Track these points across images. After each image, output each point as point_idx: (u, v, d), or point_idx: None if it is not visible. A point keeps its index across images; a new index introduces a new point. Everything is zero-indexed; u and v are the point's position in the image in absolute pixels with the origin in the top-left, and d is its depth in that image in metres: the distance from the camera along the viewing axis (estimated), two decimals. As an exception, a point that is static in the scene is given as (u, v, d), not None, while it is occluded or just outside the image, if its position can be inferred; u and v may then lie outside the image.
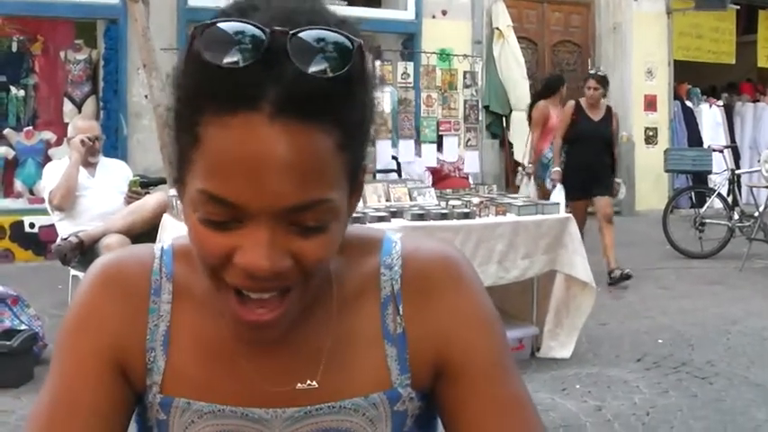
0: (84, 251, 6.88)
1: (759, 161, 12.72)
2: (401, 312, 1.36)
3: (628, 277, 9.32)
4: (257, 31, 1.10)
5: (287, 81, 1.08)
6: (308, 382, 1.32)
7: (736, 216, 11.66)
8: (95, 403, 1.30)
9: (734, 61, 17.69)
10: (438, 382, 1.36)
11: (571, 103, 10.17)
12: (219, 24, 1.11)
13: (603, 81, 10.04)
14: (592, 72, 10.41)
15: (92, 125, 7.73)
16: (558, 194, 9.27)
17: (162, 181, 8.44)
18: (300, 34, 1.10)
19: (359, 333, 1.35)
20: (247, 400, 1.32)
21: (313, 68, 1.09)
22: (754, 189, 12.35)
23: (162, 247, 1.41)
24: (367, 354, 1.35)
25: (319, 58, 1.09)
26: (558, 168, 9.91)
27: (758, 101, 18.52)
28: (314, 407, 1.32)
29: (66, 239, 6.99)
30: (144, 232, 6.72)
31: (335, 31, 1.13)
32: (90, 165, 7.39)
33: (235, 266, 1.15)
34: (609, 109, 10.17)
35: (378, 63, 8.32)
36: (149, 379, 1.34)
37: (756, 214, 11.27)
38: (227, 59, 1.08)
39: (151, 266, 1.38)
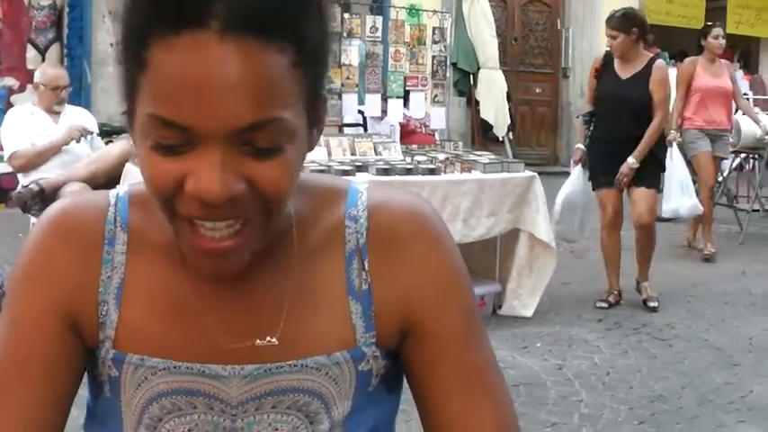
0: (45, 199, 6.79)
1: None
2: (366, 268, 1.30)
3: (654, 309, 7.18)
4: None
5: None
6: (268, 338, 1.26)
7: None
8: (46, 360, 1.26)
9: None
10: (404, 341, 1.32)
11: (600, 53, 7.77)
12: None
13: (626, 22, 7.12)
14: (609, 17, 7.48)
15: (61, 74, 7.59)
16: (577, 178, 7.52)
17: (125, 130, 8.34)
18: None
19: (322, 288, 1.29)
20: (204, 357, 1.25)
21: None
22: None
23: (117, 194, 1.34)
24: (330, 310, 1.28)
25: None
26: (579, 145, 7.56)
27: (726, 66, 18.58)
28: (274, 365, 1.25)
29: (26, 187, 6.90)
30: (107, 181, 6.62)
31: None
32: (54, 113, 7.27)
33: (187, 194, 1.10)
34: (649, 63, 7.15)
35: (346, 16, 8.27)
36: (102, 333, 1.27)
37: (720, 179, 11.30)
38: None
39: (105, 214, 1.31)
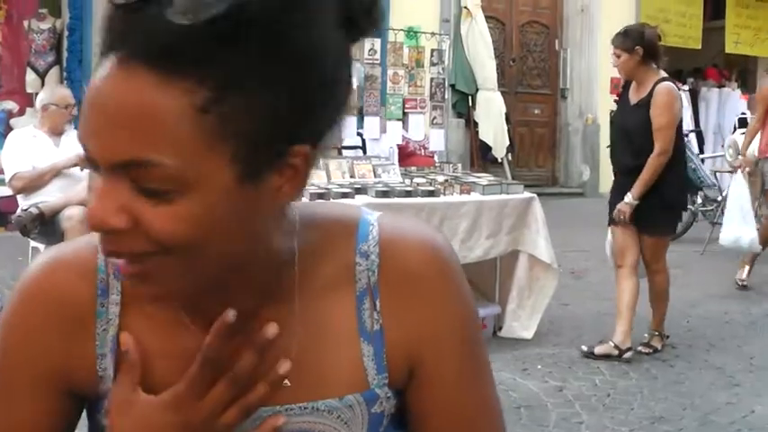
0: (45, 222, 6.80)
1: (723, 146, 12.80)
2: (378, 308, 1.25)
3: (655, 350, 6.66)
4: None
5: (146, 25, 0.97)
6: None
7: (699, 200, 11.70)
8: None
9: (700, 46, 17.76)
10: (408, 380, 1.28)
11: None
12: None
13: (628, 40, 6.43)
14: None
15: (69, 93, 7.68)
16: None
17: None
18: None
19: (332, 328, 1.24)
20: None
21: (172, 12, 0.96)
22: (717, 174, 12.40)
23: None
24: (341, 351, 1.24)
25: None
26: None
27: (723, 86, 18.63)
28: (284, 407, 1.21)
29: (26, 210, 6.91)
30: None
31: None
32: (57, 135, 7.30)
33: None
34: (654, 86, 6.40)
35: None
36: (103, 385, 1.23)
37: (719, 199, 11.32)
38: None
39: (95, 265, 1.24)
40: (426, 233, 1.31)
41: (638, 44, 6.34)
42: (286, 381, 1.18)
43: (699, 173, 6.75)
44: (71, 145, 7.26)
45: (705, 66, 19.21)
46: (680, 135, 6.50)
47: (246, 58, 0.99)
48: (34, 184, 7.00)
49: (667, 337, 6.78)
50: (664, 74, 6.50)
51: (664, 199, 6.37)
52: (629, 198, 6.34)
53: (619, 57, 6.44)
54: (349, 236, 1.27)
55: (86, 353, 1.23)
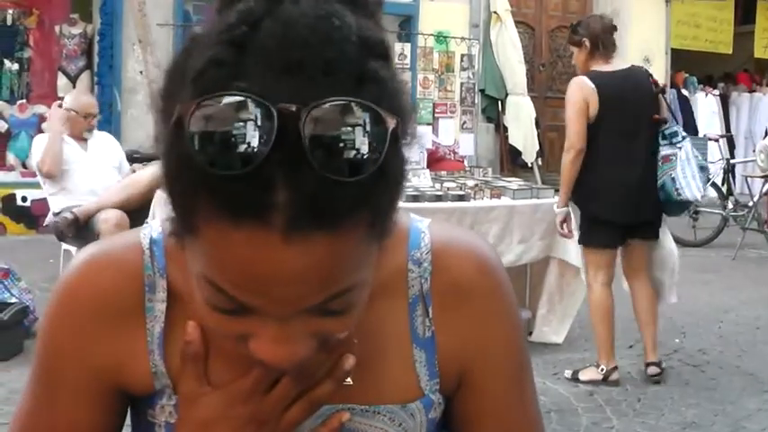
0: (80, 227, 6.85)
1: (754, 151, 12.72)
2: (430, 315, 1.25)
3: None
4: (261, 113, 0.87)
5: (304, 185, 0.88)
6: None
7: (730, 205, 11.66)
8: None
9: (731, 51, 17.67)
10: (457, 389, 1.29)
11: None
12: (212, 112, 0.88)
13: (577, 33, 6.26)
14: None
15: (93, 102, 7.82)
16: None
17: (156, 157, 8.42)
18: (315, 113, 0.87)
19: (385, 333, 1.24)
20: None
21: (338, 168, 0.88)
22: (748, 179, 12.36)
23: (150, 237, 1.25)
24: (395, 357, 1.24)
25: (346, 151, 0.88)
26: None
27: (754, 91, 18.50)
28: (346, 405, 1.21)
29: (59, 214, 6.96)
30: (139, 207, 6.67)
31: (365, 105, 0.90)
32: (83, 140, 7.38)
33: (251, 348, 1.03)
34: None
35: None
36: (158, 383, 1.23)
37: (750, 204, 11.28)
38: (223, 170, 0.88)
39: (141, 263, 1.22)
40: (479, 245, 1.31)
41: (585, 36, 6.14)
42: (349, 379, 1.17)
43: (680, 183, 5.61)
44: (99, 148, 7.37)
45: (736, 71, 19.10)
46: (601, 135, 5.92)
47: (387, 180, 0.95)
48: (53, 157, 7.12)
49: (602, 369, 6.06)
50: (621, 64, 6.22)
51: (576, 203, 6.23)
52: (555, 207, 6.29)
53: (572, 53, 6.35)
54: (401, 242, 1.25)
55: (138, 349, 1.23)
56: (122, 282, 1.23)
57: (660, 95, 6.12)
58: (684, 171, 5.73)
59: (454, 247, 1.28)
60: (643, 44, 16.21)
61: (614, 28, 6.25)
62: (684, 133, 5.95)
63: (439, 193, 6.59)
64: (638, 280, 6.14)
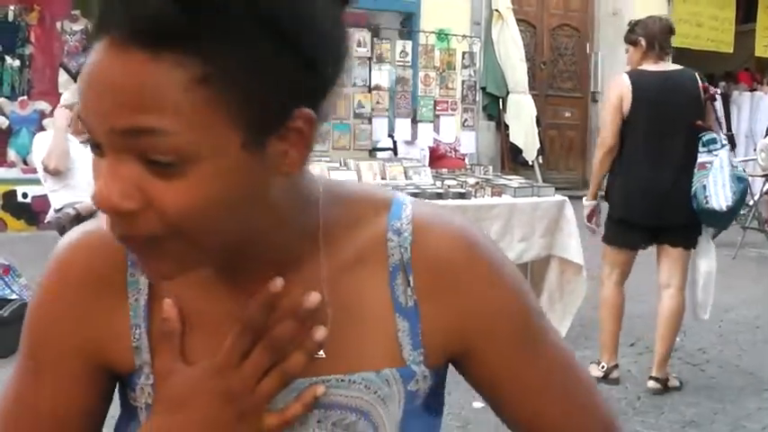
0: (82, 222, 6.84)
1: (755, 150, 12.72)
2: (412, 284, 1.24)
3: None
4: None
5: (131, 6, 0.99)
6: None
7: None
8: (80, 407, 1.27)
9: (732, 50, 17.66)
10: (461, 363, 1.29)
11: None
12: None
13: (634, 32, 6.21)
14: None
15: None
16: None
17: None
18: None
19: (365, 302, 1.23)
20: None
21: None
22: (749, 178, 12.34)
23: None
24: (376, 325, 1.23)
25: None
26: None
27: (755, 90, 18.47)
28: (320, 378, 1.20)
29: (60, 210, 6.96)
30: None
31: None
32: (79, 134, 7.39)
33: None
34: None
35: (376, 41, 8.31)
36: (138, 358, 1.24)
37: (751, 203, 11.27)
38: None
39: None
40: (460, 221, 1.30)
41: (641, 36, 6.11)
42: (321, 352, 1.19)
43: (709, 191, 5.46)
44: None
45: (737, 70, 19.08)
46: (632, 133, 5.95)
47: (238, 23, 1.00)
48: (60, 153, 7.09)
49: (603, 366, 6.12)
50: (672, 66, 6.14)
51: (605, 199, 6.28)
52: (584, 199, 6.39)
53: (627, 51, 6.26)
54: (381, 212, 1.27)
55: (121, 323, 1.24)
56: (106, 258, 1.25)
57: (709, 102, 5.99)
58: (716, 179, 5.67)
59: (436, 220, 1.28)
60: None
61: (672, 30, 6.24)
62: (725, 141, 5.82)
63: (440, 190, 6.60)
64: (666, 289, 6.06)
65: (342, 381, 1.21)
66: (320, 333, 1.15)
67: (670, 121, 5.83)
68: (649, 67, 5.98)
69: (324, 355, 1.19)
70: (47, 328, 1.27)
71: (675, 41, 6.75)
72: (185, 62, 0.99)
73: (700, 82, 6.01)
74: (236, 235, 1.11)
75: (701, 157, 5.78)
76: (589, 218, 6.22)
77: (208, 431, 1.17)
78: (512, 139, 13.11)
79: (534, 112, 12.82)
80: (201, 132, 1.01)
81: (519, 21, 14.11)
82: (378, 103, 8.27)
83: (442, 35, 9.97)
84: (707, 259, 6.06)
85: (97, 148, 1.06)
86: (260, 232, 1.15)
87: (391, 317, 1.24)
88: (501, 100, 13.19)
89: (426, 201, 1.37)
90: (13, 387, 1.30)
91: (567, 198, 6.85)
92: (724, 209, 5.66)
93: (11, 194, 11.30)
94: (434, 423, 1.34)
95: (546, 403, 1.30)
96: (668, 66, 6.07)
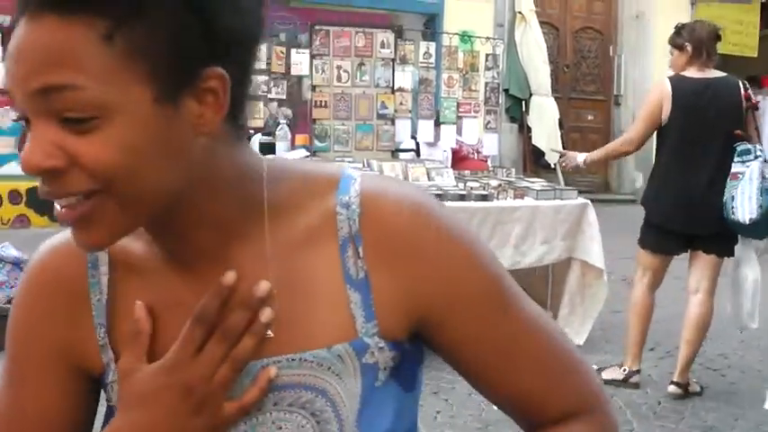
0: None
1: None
2: (361, 255, 1.23)
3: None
4: None
5: None
6: None
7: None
8: (62, 412, 1.31)
9: (756, 54, 17.58)
10: (424, 331, 1.27)
11: None
12: None
13: (681, 37, 6.14)
14: None
15: None
16: None
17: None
18: None
19: (316, 277, 1.23)
20: None
21: None
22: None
23: None
24: (327, 300, 1.23)
25: None
26: None
27: (779, 95, 18.43)
28: (271, 359, 1.20)
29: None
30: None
31: None
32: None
33: None
34: None
35: (399, 42, 8.31)
36: (104, 356, 1.28)
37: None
38: None
39: None
40: (408, 189, 1.31)
41: (688, 41, 6.04)
42: (270, 332, 1.20)
43: (736, 202, 5.34)
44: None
45: (761, 74, 19.01)
46: (669, 139, 5.98)
47: None
48: None
49: (625, 370, 6.10)
50: (715, 73, 6.05)
51: (641, 203, 6.34)
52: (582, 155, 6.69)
53: (672, 54, 6.21)
54: (330, 188, 1.27)
55: (86, 325, 1.29)
56: (70, 261, 1.30)
57: (751, 111, 5.96)
58: (743, 191, 5.64)
59: (384, 190, 1.27)
60: (668, 46, 16.15)
61: (719, 37, 6.17)
62: (759, 153, 5.76)
63: (462, 192, 6.61)
64: (695, 295, 6.06)
65: (293, 360, 1.21)
66: (266, 314, 1.19)
67: (708, 129, 5.82)
68: (692, 73, 5.96)
69: (272, 335, 1.21)
70: (25, 333, 1.32)
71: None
72: (94, 22, 1.05)
73: (743, 90, 5.96)
74: (165, 195, 1.15)
75: (735, 167, 5.76)
76: (561, 156, 6.51)
77: (169, 426, 1.20)
78: (534, 141, 13.10)
79: (557, 115, 12.82)
80: (112, 86, 1.07)
81: (542, 23, 14.11)
82: (401, 104, 8.27)
83: (466, 37, 9.98)
84: (751, 268, 6.05)
85: (26, 123, 1.11)
86: (194, 199, 1.18)
87: (342, 290, 1.23)
88: (524, 102, 13.19)
89: (377, 173, 1.37)
90: (1, 391, 1.34)
91: (589, 201, 6.86)
92: (747, 221, 5.63)
93: (34, 190, 11.29)
94: (408, 397, 1.31)
95: (516, 371, 1.28)
96: (712, 73, 6.02)
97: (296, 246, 1.24)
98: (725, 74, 6.09)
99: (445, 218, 1.28)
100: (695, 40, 5.99)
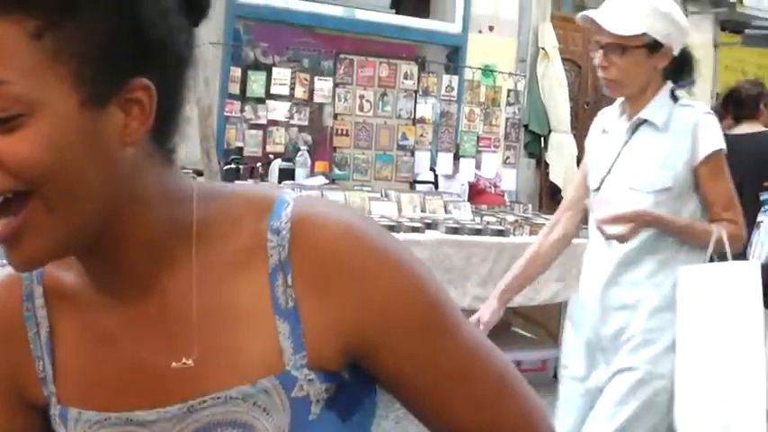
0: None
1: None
2: (290, 283, 1.19)
3: None
4: None
5: None
6: (183, 360, 1.19)
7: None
8: None
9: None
10: (362, 360, 1.23)
11: None
12: None
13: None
14: None
15: None
16: None
17: (199, 173, 8.49)
18: None
19: (243, 307, 1.20)
20: (131, 399, 1.21)
21: None
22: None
23: None
24: (254, 331, 1.19)
25: None
26: None
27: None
28: (197, 401, 1.18)
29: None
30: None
31: None
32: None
33: None
34: None
35: (423, 74, 8.36)
36: (45, 389, 1.27)
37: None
38: None
39: (19, 275, 1.29)
40: (340, 212, 1.26)
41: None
42: (189, 361, 1.20)
43: (753, 250, 5.32)
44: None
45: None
46: None
47: None
48: None
49: None
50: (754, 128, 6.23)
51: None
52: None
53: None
54: (263, 213, 1.22)
55: (25, 359, 1.28)
56: (4, 296, 1.30)
57: None
58: (763, 240, 5.62)
59: (315, 215, 1.22)
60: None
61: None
62: None
63: (479, 226, 6.63)
64: None
65: (218, 399, 1.19)
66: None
67: (742, 178, 5.79)
68: (733, 130, 6.05)
69: (192, 364, 1.20)
70: None
71: (720, 88, 6.75)
72: (24, 20, 1.04)
73: None
74: (93, 206, 1.13)
75: (759, 217, 5.76)
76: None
77: None
78: (551, 177, 13.10)
79: (575, 152, 12.81)
80: (37, 84, 1.06)
81: (564, 60, 14.15)
82: (421, 135, 8.32)
83: (488, 71, 10.01)
84: None
85: None
86: (122, 220, 1.17)
87: (271, 321, 1.20)
88: (542, 138, 13.20)
89: (314, 196, 1.37)
90: None
91: (604, 240, 6.86)
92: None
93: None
94: (346, 427, 1.26)
95: (455, 400, 1.26)
96: (756, 128, 6.17)
97: (225, 273, 1.21)
98: (765, 129, 6.25)
99: (378, 241, 1.24)
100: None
